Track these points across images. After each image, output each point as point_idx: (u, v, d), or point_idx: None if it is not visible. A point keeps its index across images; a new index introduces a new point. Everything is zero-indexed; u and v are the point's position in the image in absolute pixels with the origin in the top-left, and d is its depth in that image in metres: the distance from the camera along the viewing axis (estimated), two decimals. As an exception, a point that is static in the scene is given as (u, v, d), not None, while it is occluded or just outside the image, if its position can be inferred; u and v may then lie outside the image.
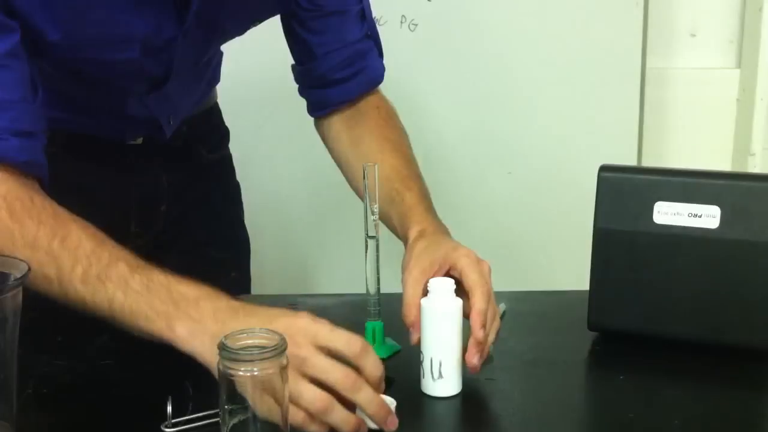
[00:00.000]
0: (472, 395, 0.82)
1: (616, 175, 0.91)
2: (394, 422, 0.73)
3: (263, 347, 0.66)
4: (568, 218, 1.73)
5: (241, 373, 0.65)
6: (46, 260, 0.79)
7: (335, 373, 0.71)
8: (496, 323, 0.85)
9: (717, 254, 0.87)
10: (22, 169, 0.83)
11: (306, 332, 0.72)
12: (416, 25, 1.71)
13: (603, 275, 0.92)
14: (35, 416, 0.78)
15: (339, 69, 1.08)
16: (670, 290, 0.90)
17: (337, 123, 1.11)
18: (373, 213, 0.87)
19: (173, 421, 0.74)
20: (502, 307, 1.00)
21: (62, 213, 0.82)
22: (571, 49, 1.74)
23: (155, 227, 1.13)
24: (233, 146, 1.28)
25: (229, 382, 0.66)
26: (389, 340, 0.91)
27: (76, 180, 0.91)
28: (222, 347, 0.66)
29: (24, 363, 0.71)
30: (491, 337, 0.84)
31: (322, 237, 1.77)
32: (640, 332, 0.92)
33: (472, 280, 0.83)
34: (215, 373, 0.70)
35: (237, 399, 0.66)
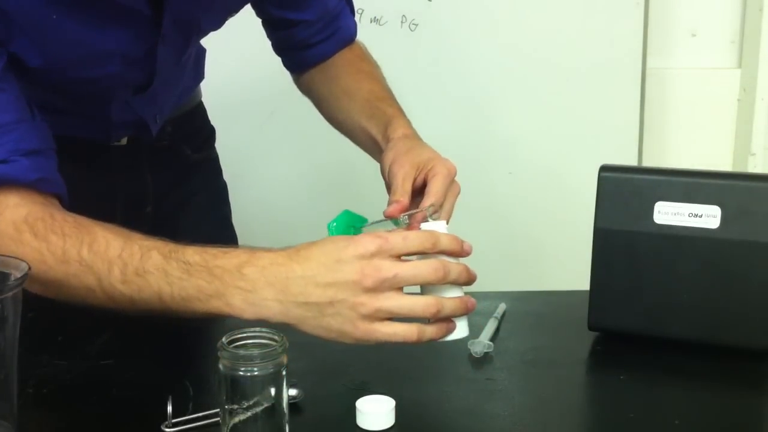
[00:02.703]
0: (472, 395, 0.82)
1: (616, 175, 0.91)
2: (474, 275, 0.77)
3: (263, 347, 0.67)
4: (568, 218, 1.73)
5: (241, 373, 0.65)
6: (81, 270, 0.78)
7: (426, 272, 0.73)
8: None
9: (717, 254, 0.87)
10: (37, 188, 0.83)
11: (381, 252, 0.72)
12: (416, 25, 1.71)
13: (603, 275, 0.92)
14: (35, 416, 0.78)
15: (315, 34, 1.12)
16: (670, 290, 0.90)
17: (315, 74, 1.15)
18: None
19: (173, 421, 0.74)
20: (503, 307, 1.00)
21: (84, 221, 0.81)
22: (571, 49, 1.74)
23: (141, 229, 1.11)
24: (221, 146, 1.27)
25: (230, 382, 0.66)
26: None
27: None
28: (222, 347, 0.66)
29: (24, 363, 0.71)
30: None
31: (312, 237, 1.77)
32: (640, 332, 0.92)
33: (433, 188, 0.90)
34: (298, 328, 0.73)
35: (237, 399, 0.66)
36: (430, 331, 0.74)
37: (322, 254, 0.74)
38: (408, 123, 1.03)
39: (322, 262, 0.73)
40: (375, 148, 1.04)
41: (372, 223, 0.92)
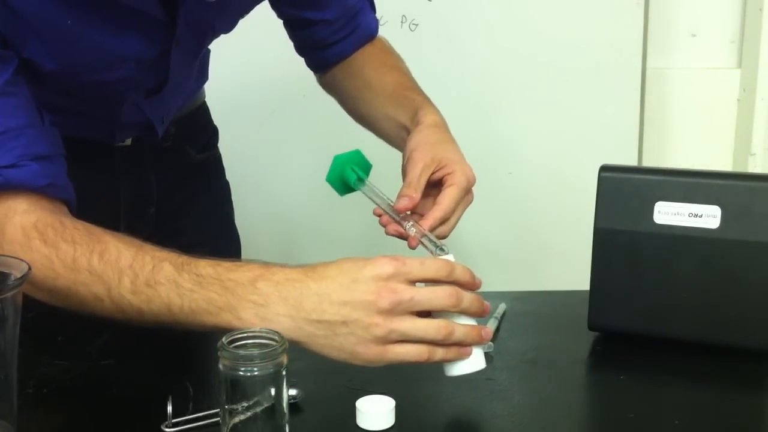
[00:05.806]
0: (472, 395, 0.82)
1: (616, 175, 0.91)
2: (488, 307, 0.77)
3: (263, 347, 0.67)
4: (568, 218, 1.74)
5: (241, 373, 0.65)
6: (90, 279, 0.76)
7: (441, 298, 0.73)
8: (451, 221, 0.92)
9: (717, 254, 0.87)
10: (46, 193, 0.82)
11: (398, 275, 0.72)
12: (416, 25, 1.71)
13: (603, 275, 0.92)
14: (35, 416, 0.78)
15: (335, 33, 1.11)
16: (670, 290, 0.90)
17: (337, 72, 1.15)
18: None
19: (173, 421, 0.74)
20: (503, 307, 1.00)
21: (95, 229, 0.80)
22: (572, 49, 1.74)
23: (145, 229, 1.10)
24: (223, 145, 1.27)
25: (230, 382, 0.66)
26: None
27: None
28: (222, 347, 0.66)
29: (24, 363, 0.71)
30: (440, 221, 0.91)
31: (314, 235, 1.77)
32: (640, 332, 0.92)
33: (446, 199, 0.90)
34: (307, 347, 0.72)
35: (237, 399, 0.66)
36: (440, 351, 0.74)
37: (339, 273, 0.73)
38: (437, 111, 1.02)
39: (338, 280, 0.72)
40: (403, 134, 1.01)
41: (367, 187, 0.92)
